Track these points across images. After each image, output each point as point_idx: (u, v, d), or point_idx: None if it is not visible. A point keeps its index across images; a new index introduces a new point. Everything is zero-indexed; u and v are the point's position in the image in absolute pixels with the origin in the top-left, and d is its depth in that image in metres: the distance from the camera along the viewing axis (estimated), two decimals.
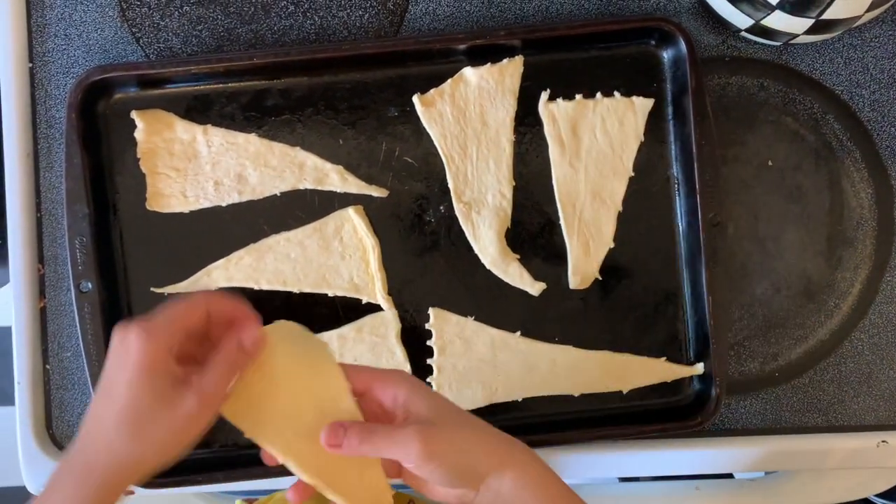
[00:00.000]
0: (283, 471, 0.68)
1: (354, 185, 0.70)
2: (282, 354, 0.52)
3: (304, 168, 0.70)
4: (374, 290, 0.70)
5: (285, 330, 0.54)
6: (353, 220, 0.69)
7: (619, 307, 0.71)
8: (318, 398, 0.52)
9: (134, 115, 0.69)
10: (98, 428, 0.49)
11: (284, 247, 0.69)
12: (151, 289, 0.70)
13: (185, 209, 0.70)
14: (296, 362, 0.53)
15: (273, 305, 0.70)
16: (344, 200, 0.70)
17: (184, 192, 0.70)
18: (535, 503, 0.51)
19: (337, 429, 0.51)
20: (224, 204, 0.70)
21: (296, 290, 0.70)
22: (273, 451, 0.51)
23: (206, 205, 0.70)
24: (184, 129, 0.69)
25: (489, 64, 0.70)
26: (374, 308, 0.70)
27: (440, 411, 0.52)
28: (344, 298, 0.70)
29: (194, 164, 0.70)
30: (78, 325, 0.68)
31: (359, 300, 0.70)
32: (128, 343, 0.47)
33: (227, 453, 0.70)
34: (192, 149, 0.69)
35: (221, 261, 0.69)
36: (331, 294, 0.70)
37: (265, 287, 0.70)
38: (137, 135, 0.69)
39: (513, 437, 0.54)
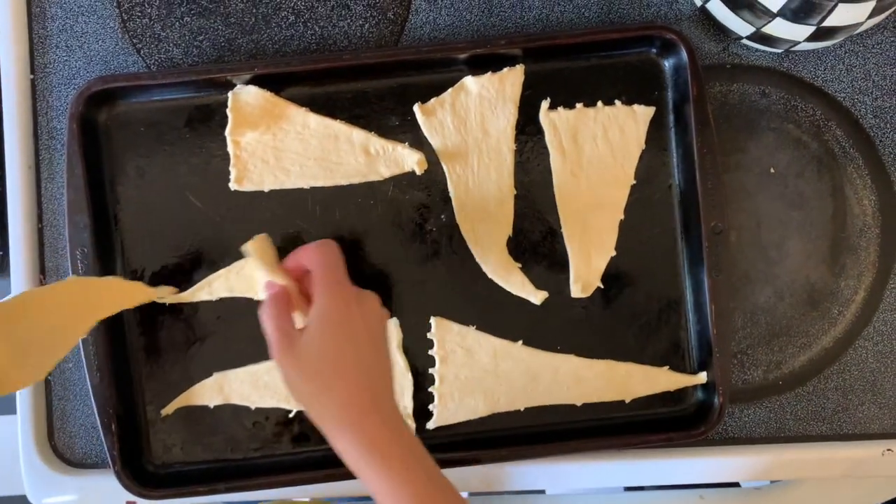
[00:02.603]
0: (285, 481, 0.69)
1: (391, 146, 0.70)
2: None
3: (351, 140, 0.70)
4: None
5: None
6: None
7: (621, 316, 0.71)
8: None
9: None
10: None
11: None
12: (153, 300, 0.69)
13: (275, 186, 0.70)
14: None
15: None
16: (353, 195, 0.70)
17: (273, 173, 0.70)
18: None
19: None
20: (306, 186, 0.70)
21: None
22: None
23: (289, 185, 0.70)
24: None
25: (490, 73, 0.70)
26: None
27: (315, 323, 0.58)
28: None
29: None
30: None
31: None
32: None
33: (228, 464, 0.71)
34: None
35: (223, 271, 0.69)
36: None
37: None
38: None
39: None
